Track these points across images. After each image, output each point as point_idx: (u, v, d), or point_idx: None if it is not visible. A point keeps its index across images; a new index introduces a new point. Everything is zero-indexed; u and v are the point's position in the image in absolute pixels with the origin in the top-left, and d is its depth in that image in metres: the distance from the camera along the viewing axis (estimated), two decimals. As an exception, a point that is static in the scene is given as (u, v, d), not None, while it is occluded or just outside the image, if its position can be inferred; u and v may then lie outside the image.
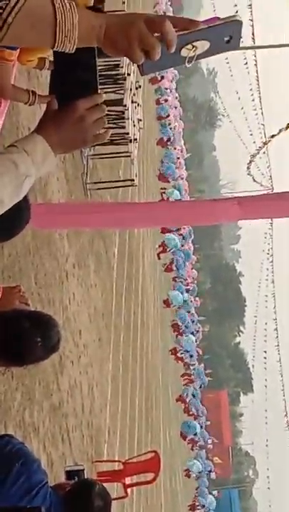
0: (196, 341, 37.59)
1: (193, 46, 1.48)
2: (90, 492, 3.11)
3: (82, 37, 1.43)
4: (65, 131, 1.56)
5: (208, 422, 43.90)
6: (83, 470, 3.36)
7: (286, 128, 16.01)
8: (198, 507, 35.41)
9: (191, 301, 38.75)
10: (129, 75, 10.50)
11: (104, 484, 3.35)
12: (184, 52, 1.49)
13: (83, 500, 3.06)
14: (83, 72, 1.56)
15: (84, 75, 1.56)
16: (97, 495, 3.11)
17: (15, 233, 2.55)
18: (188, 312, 35.19)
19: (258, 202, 2.63)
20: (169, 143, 36.15)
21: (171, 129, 37.55)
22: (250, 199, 2.59)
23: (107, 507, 3.17)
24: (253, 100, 29.04)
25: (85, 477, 3.36)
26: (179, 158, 37.65)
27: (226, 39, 1.51)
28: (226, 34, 1.50)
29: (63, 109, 1.57)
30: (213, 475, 43.29)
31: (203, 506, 36.42)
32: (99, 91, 1.58)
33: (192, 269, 40.89)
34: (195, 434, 34.57)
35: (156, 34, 1.43)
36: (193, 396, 34.38)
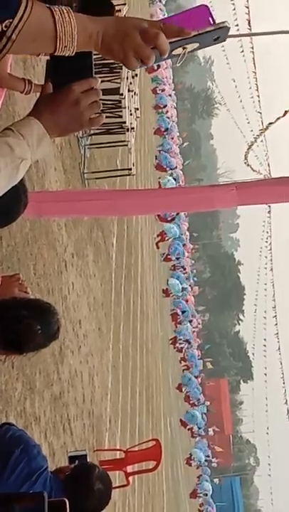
0: (195, 331, 37.70)
1: (184, 47, 1.59)
2: (90, 475, 3.12)
3: (80, 45, 1.49)
4: (60, 114, 1.57)
5: (209, 411, 44.09)
6: (86, 455, 3.39)
7: (283, 115, 15.96)
8: (199, 494, 35.61)
9: (190, 290, 38.81)
10: (125, 63, 10.46)
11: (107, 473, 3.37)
12: (175, 51, 1.59)
13: (83, 484, 3.08)
14: (79, 57, 1.56)
15: (80, 61, 1.57)
16: (97, 478, 3.13)
17: (13, 218, 2.54)
18: (187, 301, 35.24)
19: (255, 187, 2.63)
20: (166, 132, 36.09)
21: (168, 118, 37.49)
22: (247, 184, 2.59)
23: (107, 490, 3.19)
24: (250, 88, 28.96)
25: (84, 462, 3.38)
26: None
27: (214, 38, 1.61)
28: (214, 35, 1.61)
29: (59, 92, 1.58)
30: (214, 463, 43.52)
31: (206, 495, 36.63)
32: (94, 75, 1.59)
33: (188, 257, 40.86)
34: (197, 424, 34.75)
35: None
36: (189, 381, 34.43)
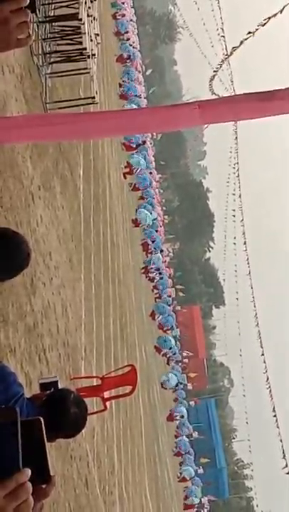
0: (166, 260, 37.93)
1: None
2: (66, 400, 3.19)
3: None
4: None
5: (182, 337, 44.91)
6: (57, 381, 3.44)
7: (246, 38, 15.71)
8: (176, 417, 36.66)
9: (160, 219, 38.87)
10: (83, -13, 10.12)
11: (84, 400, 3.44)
12: None
13: (59, 408, 3.15)
14: None
15: None
16: (73, 402, 3.20)
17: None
18: (157, 231, 35.33)
19: (218, 105, 2.59)
20: (128, 60, 35.34)
21: (130, 45, 36.65)
22: (211, 102, 2.56)
23: (83, 413, 3.27)
24: (212, 10, 28.36)
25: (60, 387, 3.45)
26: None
27: None
28: None
29: None
30: (189, 386, 44.63)
31: (182, 417, 37.72)
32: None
33: (156, 187, 40.76)
34: (170, 349, 35.42)
35: None
36: (163, 309, 34.93)
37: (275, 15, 13.08)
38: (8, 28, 1.55)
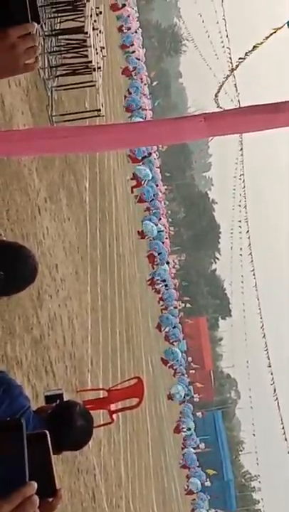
0: (172, 272, 37.85)
1: None
2: (72, 412, 3.18)
3: None
4: None
5: (189, 348, 44.77)
6: (62, 394, 3.43)
7: (252, 50, 15.75)
8: (183, 429, 36.50)
9: (165, 231, 38.87)
10: (88, 0, 10.20)
11: (91, 412, 3.42)
12: None
13: (66, 421, 3.14)
14: (14, 2, 1.56)
15: (15, 3, 1.57)
16: (79, 414, 3.19)
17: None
18: (163, 242, 35.35)
19: (224, 117, 2.60)
20: (134, 72, 35.49)
21: (136, 57, 36.83)
22: (217, 114, 2.56)
23: (89, 426, 3.26)
24: (217, 23, 28.45)
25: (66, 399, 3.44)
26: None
27: None
28: None
29: None
30: (196, 398, 44.44)
31: (189, 429, 37.56)
32: (30, 20, 1.57)
33: (161, 198, 40.79)
34: (177, 361, 35.33)
35: None
36: (168, 320, 34.84)
37: (280, 28, 13.12)
38: (16, 53, 1.56)
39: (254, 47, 15.15)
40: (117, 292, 16.49)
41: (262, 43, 14.13)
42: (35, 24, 1.58)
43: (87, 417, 3.25)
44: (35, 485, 1.38)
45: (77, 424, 3.16)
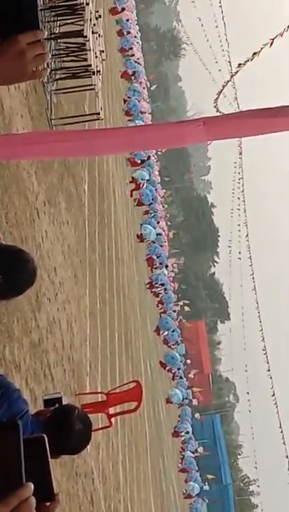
0: (171, 275, 37.82)
1: None
2: (71, 417, 3.18)
3: None
4: (4, 63, 1.56)
5: (188, 352, 44.73)
6: (61, 398, 3.43)
7: (252, 58, 15.76)
8: (181, 433, 36.45)
9: (164, 234, 38.87)
10: (88, 4, 10.21)
11: (89, 416, 3.42)
12: None
13: (64, 425, 3.14)
14: (24, 8, 1.57)
15: (24, 11, 1.58)
16: (78, 419, 3.19)
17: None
18: (162, 246, 35.35)
19: (224, 121, 2.60)
20: (133, 76, 35.53)
21: (135, 61, 36.85)
22: (216, 119, 2.56)
23: (87, 430, 3.25)
24: (217, 27, 28.50)
25: (64, 403, 3.43)
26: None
27: None
28: None
29: (4, 42, 1.57)
30: (194, 402, 44.37)
31: (187, 433, 37.51)
32: (41, 27, 1.59)
33: (160, 202, 40.79)
34: (177, 365, 35.31)
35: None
36: (167, 324, 34.80)
37: (281, 34, 13.15)
38: (24, 60, 1.57)
39: (253, 54, 15.18)
40: (116, 295, 16.48)
41: (261, 49, 14.15)
42: (45, 32, 1.60)
43: (86, 421, 3.25)
44: (32, 486, 1.37)
45: (75, 429, 3.16)
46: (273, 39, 13.46)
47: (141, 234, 30.37)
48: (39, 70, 1.61)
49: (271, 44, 13.60)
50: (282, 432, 29.56)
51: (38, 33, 1.57)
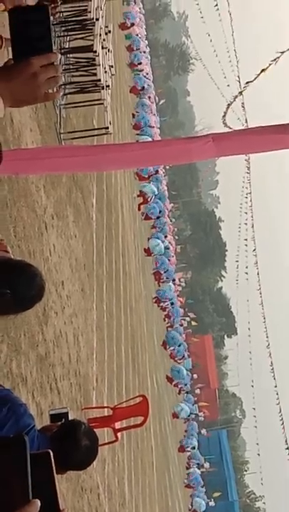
0: (178, 289, 37.71)
1: None
2: (77, 432, 3.16)
3: None
4: (17, 85, 1.58)
5: (194, 366, 44.55)
6: (67, 413, 3.42)
7: (259, 74, 15.81)
8: (187, 449, 36.24)
9: (172, 248, 38.84)
10: (97, 19, 10.28)
11: (95, 430, 3.41)
12: None
13: (71, 441, 3.12)
14: (37, 31, 1.59)
15: (40, 35, 1.60)
16: (84, 434, 3.17)
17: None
18: (169, 260, 35.31)
19: (232, 138, 2.61)
20: (142, 91, 35.68)
21: (144, 76, 37.03)
22: (224, 135, 2.57)
23: (94, 446, 3.24)
24: (226, 42, 28.60)
25: (71, 418, 3.42)
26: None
27: None
28: None
29: (18, 63, 1.59)
30: (201, 417, 44.14)
31: (194, 448, 37.29)
32: (54, 49, 1.61)
33: (168, 216, 40.79)
34: (183, 380, 35.16)
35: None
36: (173, 339, 34.67)
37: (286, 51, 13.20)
38: (37, 82, 1.59)
39: (261, 70, 15.24)
40: (123, 309, 16.46)
41: (269, 65, 14.20)
42: (58, 54, 1.62)
43: (92, 436, 3.24)
44: (38, 503, 1.37)
45: (82, 444, 3.14)
46: (279, 57, 13.52)
47: (148, 248, 30.37)
48: (52, 92, 1.63)
49: (278, 58, 13.65)
50: (288, 448, 29.30)
51: (51, 56, 1.60)
